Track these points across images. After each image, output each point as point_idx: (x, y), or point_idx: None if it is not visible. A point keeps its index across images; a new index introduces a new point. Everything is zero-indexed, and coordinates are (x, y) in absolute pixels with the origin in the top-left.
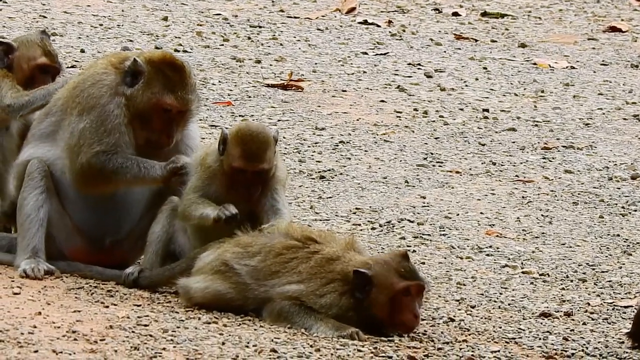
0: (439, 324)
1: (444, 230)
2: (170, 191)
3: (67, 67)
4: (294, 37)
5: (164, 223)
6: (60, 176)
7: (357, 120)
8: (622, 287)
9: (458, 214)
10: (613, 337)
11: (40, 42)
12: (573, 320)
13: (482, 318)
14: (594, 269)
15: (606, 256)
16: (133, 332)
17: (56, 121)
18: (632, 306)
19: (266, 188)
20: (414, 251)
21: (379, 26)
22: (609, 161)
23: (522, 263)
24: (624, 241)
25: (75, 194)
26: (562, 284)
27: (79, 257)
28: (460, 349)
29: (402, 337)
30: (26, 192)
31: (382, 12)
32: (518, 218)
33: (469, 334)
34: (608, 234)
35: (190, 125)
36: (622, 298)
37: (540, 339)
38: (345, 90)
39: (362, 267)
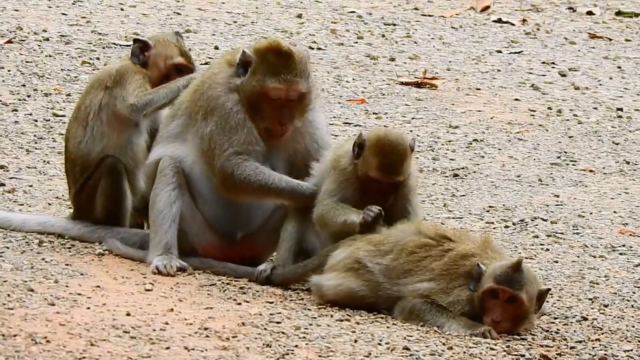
0: (572, 322)
1: (577, 229)
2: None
3: (201, 64)
4: (428, 35)
5: (296, 220)
6: (191, 172)
7: (491, 118)
8: None
9: (591, 213)
10: None
11: (176, 42)
12: None
13: (615, 317)
14: None
15: None
16: (265, 329)
17: (182, 124)
18: None
19: (399, 193)
20: (547, 250)
21: (513, 24)
22: None
23: None
24: None
25: (206, 190)
26: None
27: (211, 253)
28: (593, 347)
29: (535, 335)
30: (158, 188)
31: (516, 10)
32: None
33: (602, 333)
34: None
35: (313, 114)
36: None
37: None
38: (479, 89)
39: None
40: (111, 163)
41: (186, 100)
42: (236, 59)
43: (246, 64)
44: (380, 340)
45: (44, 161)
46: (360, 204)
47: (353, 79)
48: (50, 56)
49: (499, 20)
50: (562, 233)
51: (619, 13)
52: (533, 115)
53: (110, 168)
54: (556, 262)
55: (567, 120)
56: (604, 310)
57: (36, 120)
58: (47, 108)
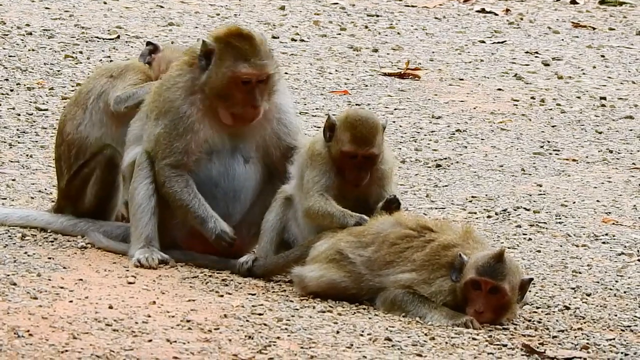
0: (554, 312)
1: (560, 218)
2: (279, 178)
3: None
4: (411, 25)
5: (278, 212)
6: None
7: (474, 108)
8: None
9: (574, 202)
10: None
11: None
12: None
13: (597, 306)
14: None
15: None
16: (247, 321)
17: (141, 125)
18: None
19: (375, 175)
20: (530, 239)
21: (496, 14)
22: None
23: (638, 251)
24: None
25: None
26: None
27: (192, 246)
28: (576, 337)
29: (517, 325)
30: (136, 182)
31: (499, 0)
32: (635, 206)
33: (585, 322)
34: None
35: (280, 98)
36: None
37: None
38: (462, 79)
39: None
40: (110, 154)
41: (147, 102)
42: (196, 53)
43: (208, 53)
44: (363, 331)
45: (27, 155)
46: (338, 189)
47: (336, 71)
48: (33, 50)
49: (482, 10)
50: (544, 222)
51: (602, 2)
52: (516, 105)
53: (108, 159)
54: (539, 251)
55: (551, 109)
56: (587, 299)
57: (19, 114)
58: (30, 102)
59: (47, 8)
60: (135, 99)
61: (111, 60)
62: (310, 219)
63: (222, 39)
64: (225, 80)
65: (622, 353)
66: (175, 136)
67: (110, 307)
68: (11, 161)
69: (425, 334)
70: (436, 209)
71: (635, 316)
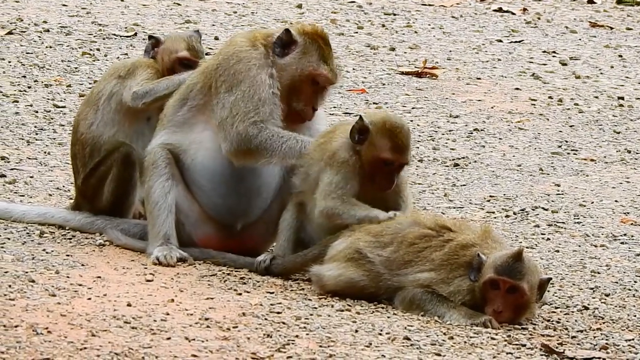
0: (573, 312)
1: (578, 218)
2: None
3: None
4: (429, 24)
5: (295, 210)
6: (193, 161)
7: (492, 108)
8: None
9: (592, 202)
10: None
11: (187, 37)
12: None
13: (616, 306)
14: None
15: None
16: (266, 319)
17: (197, 105)
18: None
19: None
20: (548, 239)
21: (513, 14)
22: None
23: None
24: None
25: (207, 181)
26: None
27: (210, 244)
28: (594, 337)
29: (536, 325)
30: (152, 180)
31: None
32: None
33: (603, 322)
34: None
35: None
36: None
37: None
38: (479, 78)
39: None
40: (126, 151)
41: (201, 81)
42: (271, 37)
43: (290, 43)
44: (381, 330)
45: (45, 152)
46: (362, 192)
47: (353, 69)
48: (50, 47)
49: (500, 10)
50: (563, 222)
51: (619, 2)
52: (534, 105)
53: (124, 156)
54: (557, 251)
55: (568, 109)
56: (605, 299)
57: (37, 112)
58: (48, 99)
59: (64, 5)
60: (153, 95)
61: (128, 58)
62: (327, 219)
63: (309, 35)
64: (304, 74)
65: None
66: (257, 100)
67: (129, 305)
68: (29, 158)
69: (444, 334)
70: (454, 208)
71: None
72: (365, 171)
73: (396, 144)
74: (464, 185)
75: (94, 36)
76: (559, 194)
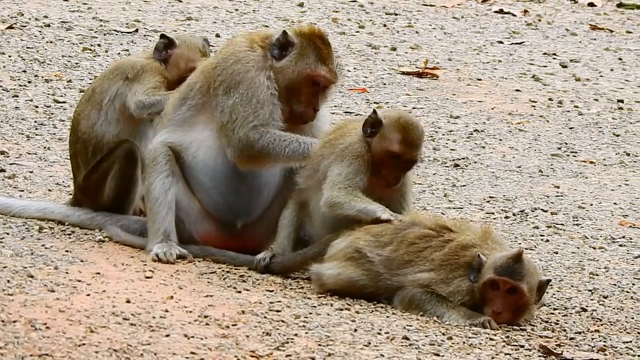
0: (571, 313)
1: (577, 220)
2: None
3: None
4: (430, 25)
5: (295, 208)
6: (192, 161)
7: (492, 109)
8: None
9: (592, 204)
10: None
11: (202, 47)
12: None
13: (614, 308)
14: None
15: None
16: (265, 317)
17: (196, 104)
18: None
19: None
20: (547, 241)
21: (514, 15)
22: None
23: None
24: None
25: (208, 178)
26: None
27: (210, 241)
28: (592, 339)
29: (535, 326)
30: (152, 177)
31: (517, 1)
32: None
33: (601, 324)
34: None
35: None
36: None
37: None
38: (480, 79)
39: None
40: (129, 148)
41: (200, 80)
42: (271, 40)
43: (287, 45)
44: (380, 330)
45: (45, 147)
46: (369, 187)
47: (354, 68)
48: (51, 42)
49: (501, 11)
50: (562, 224)
51: (620, 5)
52: (534, 106)
53: (127, 153)
54: (556, 253)
55: (568, 111)
56: (604, 301)
57: (37, 107)
58: (48, 94)
59: (65, 0)
60: (159, 107)
61: (129, 54)
62: (331, 209)
63: (306, 36)
64: (301, 76)
65: (638, 356)
66: (255, 103)
67: (128, 302)
68: (29, 153)
69: (443, 334)
70: (454, 208)
71: None
72: (375, 166)
73: (406, 139)
74: (463, 185)
75: (95, 32)
76: (558, 196)
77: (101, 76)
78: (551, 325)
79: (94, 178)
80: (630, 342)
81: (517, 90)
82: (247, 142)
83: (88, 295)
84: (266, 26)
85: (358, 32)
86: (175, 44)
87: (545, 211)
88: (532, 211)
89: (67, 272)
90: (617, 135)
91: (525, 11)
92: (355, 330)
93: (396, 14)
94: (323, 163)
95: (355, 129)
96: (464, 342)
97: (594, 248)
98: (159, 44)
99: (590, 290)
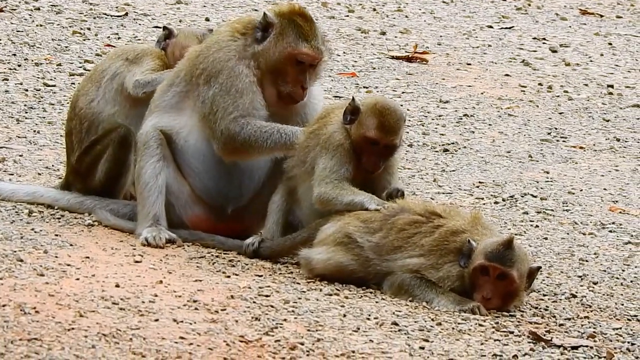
0: (560, 299)
1: (567, 206)
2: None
3: None
4: (419, 9)
5: (284, 193)
6: (185, 144)
7: (482, 93)
8: None
9: (581, 190)
10: None
11: (200, 36)
12: None
13: (604, 295)
14: None
15: None
16: (254, 302)
17: (180, 92)
18: None
19: (387, 164)
20: (537, 226)
21: (504, 0)
22: None
23: None
24: None
25: (199, 163)
26: None
27: (200, 226)
28: (582, 325)
29: (524, 312)
30: (143, 160)
31: None
32: None
33: (591, 311)
34: None
35: (314, 84)
36: None
37: None
38: (469, 64)
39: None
40: (124, 133)
41: (185, 67)
42: (251, 23)
43: (268, 26)
44: (369, 315)
45: (34, 131)
46: (357, 175)
47: (344, 53)
48: (41, 26)
49: None
50: (552, 210)
51: None
52: (523, 91)
53: (121, 137)
54: (546, 238)
55: (558, 96)
56: (593, 287)
57: (27, 90)
58: (38, 78)
59: None
60: (154, 85)
61: (119, 38)
62: (322, 205)
63: (285, 15)
64: (282, 56)
65: (628, 342)
66: (234, 93)
67: (117, 286)
68: (18, 137)
69: (432, 319)
70: (443, 193)
71: None
72: (353, 152)
73: (382, 124)
74: (453, 170)
75: (85, 15)
76: (548, 181)
77: (105, 58)
78: (541, 311)
79: (87, 160)
80: (620, 328)
81: (507, 75)
82: (229, 135)
83: (77, 279)
84: (256, 10)
85: (347, 16)
86: (174, 34)
87: (535, 196)
88: (522, 196)
89: (56, 256)
90: (607, 121)
91: None
92: (345, 316)
93: None
94: (310, 155)
95: (336, 117)
96: (453, 328)
97: (584, 234)
98: (160, 35)
99: (579, 277)
